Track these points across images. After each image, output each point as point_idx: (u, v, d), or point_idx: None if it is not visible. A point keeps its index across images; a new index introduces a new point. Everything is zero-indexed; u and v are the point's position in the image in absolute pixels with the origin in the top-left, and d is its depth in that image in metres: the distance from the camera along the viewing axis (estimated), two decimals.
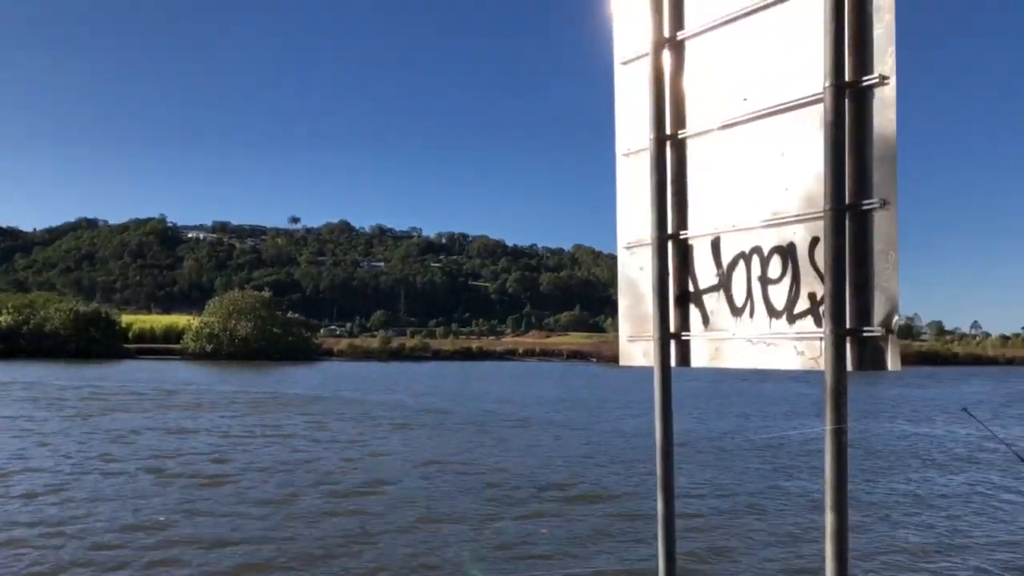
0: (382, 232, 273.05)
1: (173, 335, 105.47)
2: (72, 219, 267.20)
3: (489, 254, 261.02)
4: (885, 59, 2.15)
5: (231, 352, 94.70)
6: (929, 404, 37.19)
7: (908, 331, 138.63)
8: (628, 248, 3.03)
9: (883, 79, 2.15)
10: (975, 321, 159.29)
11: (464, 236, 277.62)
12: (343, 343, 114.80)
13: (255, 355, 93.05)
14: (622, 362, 3.10)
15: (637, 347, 3.01)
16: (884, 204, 2.16)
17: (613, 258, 3.36)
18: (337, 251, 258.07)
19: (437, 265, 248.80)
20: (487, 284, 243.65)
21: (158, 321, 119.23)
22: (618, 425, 25.02)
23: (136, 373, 55.04)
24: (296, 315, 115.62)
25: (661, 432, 2.79)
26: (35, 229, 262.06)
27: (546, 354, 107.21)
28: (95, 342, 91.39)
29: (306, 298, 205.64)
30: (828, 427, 2.20)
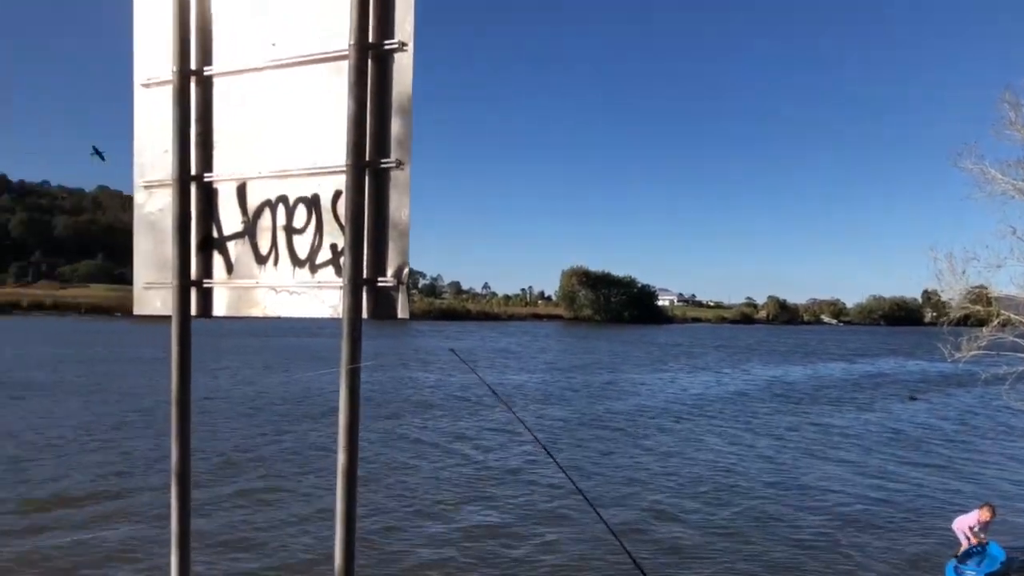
0: None
1: None
2: None
3: None
4: (405, 26, 2.30)
5: None
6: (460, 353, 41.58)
7: (432, 290, 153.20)
8: (147, 187, 2.79)
9: (402, 45, 2.30)
10: (486, 283, 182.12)
11: None
12: None
13: None
14: (137, 310, 2.86)
15: (155, 295, 2.80)
16: (400, 164, 2.32)
17: None
18: None
19: None
20: None
21: None
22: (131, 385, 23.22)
23: None
24: None
25: (177, 385, 2.66)
26: None
27: (60, 308, 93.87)
28: None
29: None
30: (344, 368, 2.31)
